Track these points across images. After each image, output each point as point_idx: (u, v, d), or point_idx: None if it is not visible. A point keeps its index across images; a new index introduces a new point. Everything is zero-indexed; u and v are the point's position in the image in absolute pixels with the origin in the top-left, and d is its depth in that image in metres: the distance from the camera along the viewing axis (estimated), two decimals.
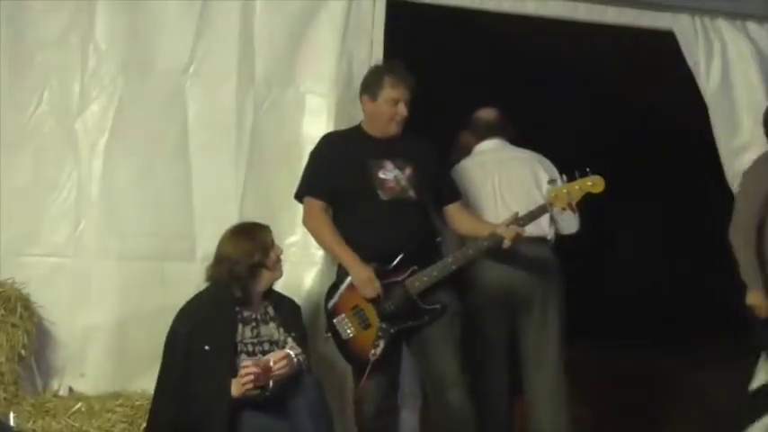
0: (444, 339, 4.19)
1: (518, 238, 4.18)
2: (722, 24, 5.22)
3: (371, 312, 4.15)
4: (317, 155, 4.37)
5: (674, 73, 5.27)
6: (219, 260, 4.12)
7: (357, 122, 4.51)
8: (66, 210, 4.47)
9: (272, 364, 3.87)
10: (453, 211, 4.41)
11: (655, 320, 7.59)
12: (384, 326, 4.14)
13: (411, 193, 4.24)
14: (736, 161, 5.17)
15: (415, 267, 4.16)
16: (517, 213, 4.27)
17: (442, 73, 5.77)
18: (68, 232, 4.46)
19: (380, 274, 4.14)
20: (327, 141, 4.41)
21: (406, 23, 4.86)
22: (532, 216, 4.31)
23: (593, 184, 4.24)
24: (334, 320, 4.19)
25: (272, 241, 4.15)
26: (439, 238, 4.34)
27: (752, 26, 5.29)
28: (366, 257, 4.15)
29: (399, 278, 4.15)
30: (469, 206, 4.63)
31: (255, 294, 4.11)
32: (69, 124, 4.48)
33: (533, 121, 5.16)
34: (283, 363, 3.89)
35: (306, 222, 4.35)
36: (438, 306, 4.16)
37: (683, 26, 5.19)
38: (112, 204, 4.50)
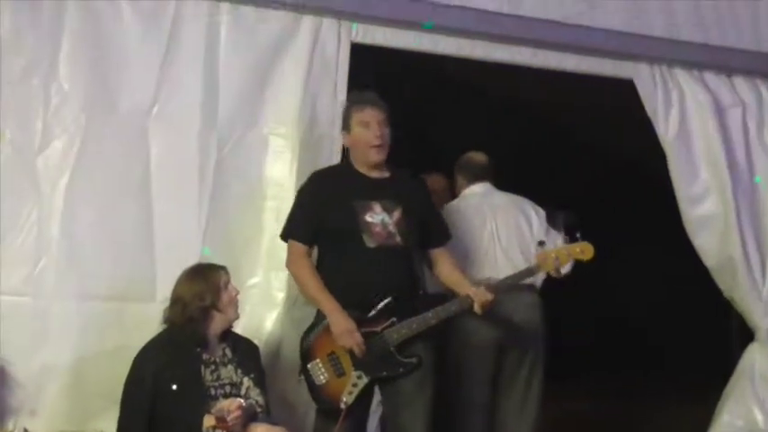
0: (416, 396, 4.15)
1: (487, 306, 4.14)
2: (680, 74, 5.34)
3: (347, 360, 4.10)
4: (304, 194, 4.31)
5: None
6: (174, 302, 4.13)
7: (320, 164, 4.55)
8: (25, 248, 4.42)
9: (225, 414, 3.88)
10: (438, 255, 4.36)
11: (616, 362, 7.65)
12: (358, 374, 4.09)
13: (398, 239, 4.16)
14: (693, 209, 5.30)
15: (395, 319, 4.10)
16: (489, 279, 4.33)
17: (405, 114, 5.82)
18: (28, 271, 4.41)
19: (359, 322, 4.09)
20: (316, 179, 4.34)
21: (371, 66, 4.94)
22: (517, 278, 4.35)
23: (582, 251, 4.26)
24: (308, 365, 4.15)
25: (227, 282, 4.14)
26: (422, 291, 4.28)
27: (709, 76, 5.42)
28: (346, 303, 4.10)
29: (378, 328, 4.10)
30: (466, 248, 4.73)
31: (211, 336, 4.11)
32: (30, 162, 4.45)
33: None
34: (237, 413, 3.90)
35: (288, 266, 4.30)
36: (414, 359, 4.10)
37: (642, 75, 5.30)
38: (73, 244, 4.46)
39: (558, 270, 4.31)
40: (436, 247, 4.36)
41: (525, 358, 4.84)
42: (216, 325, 4.12)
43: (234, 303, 4.15)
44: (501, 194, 5.03)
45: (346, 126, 4.30)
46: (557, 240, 4.78)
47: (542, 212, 4.95)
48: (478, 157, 5.11)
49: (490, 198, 4.97)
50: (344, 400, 4.05)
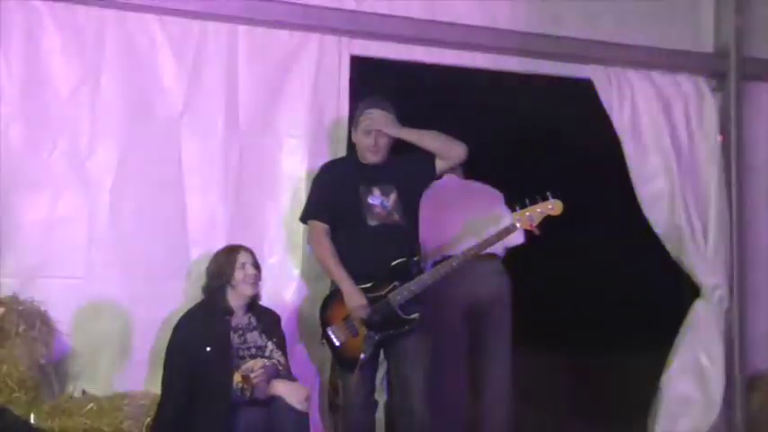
0: (417, 353, 4.51)
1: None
2: (631, 74, 5.73)
3: (359, 322, 4.48)
4: (319, 181, 4.67)
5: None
6: (205, 277, 4.49)
7: (327, 160, 4.92)
8: (78, 238, 4.77)
9: (250, 372, 4.21)
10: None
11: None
12: (370, 333, 4.47)
13: (396, 216, 4.55)
14: (645, 186, 5.70)
15: (397, 283, 4.50)
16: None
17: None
18: (81, 257, 4.76)
19: (367, 290, 4.48)
20: (327, 168, 4.73)
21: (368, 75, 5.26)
22: (500, 236, 4.69)
23: (553, 207, 4.62)
24: (328, 329, 4.52)
25: (244, 263, 4.42)
26: (416, 257, 4.62)
27: (656, 74, 5.81)
28: (355, 274, 4.48)
29: (383, 292, 4.49)
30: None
31: (236, 307, 4.42)
32: (80, 166, 4.80)
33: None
34: (260, 372, 4.23)
35: (310, 243, 4.70)
36: (417, 315, 4.48)
37: (598, 75, 5.67)
38: (119, 233, 4.81)
39: (533, 227, 4.63)
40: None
41: (493, 322, 5.20)
42: (233, 298, 4.41)
43: (247, 282, 4.39)
44: (467, 182, 5.42)
45: (355, 125, 4.69)
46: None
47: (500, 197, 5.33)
48: None
49: (456, 185, 5.33)
50: (362, 356, 4.43)
